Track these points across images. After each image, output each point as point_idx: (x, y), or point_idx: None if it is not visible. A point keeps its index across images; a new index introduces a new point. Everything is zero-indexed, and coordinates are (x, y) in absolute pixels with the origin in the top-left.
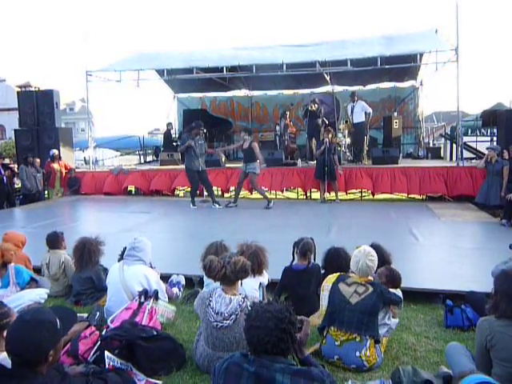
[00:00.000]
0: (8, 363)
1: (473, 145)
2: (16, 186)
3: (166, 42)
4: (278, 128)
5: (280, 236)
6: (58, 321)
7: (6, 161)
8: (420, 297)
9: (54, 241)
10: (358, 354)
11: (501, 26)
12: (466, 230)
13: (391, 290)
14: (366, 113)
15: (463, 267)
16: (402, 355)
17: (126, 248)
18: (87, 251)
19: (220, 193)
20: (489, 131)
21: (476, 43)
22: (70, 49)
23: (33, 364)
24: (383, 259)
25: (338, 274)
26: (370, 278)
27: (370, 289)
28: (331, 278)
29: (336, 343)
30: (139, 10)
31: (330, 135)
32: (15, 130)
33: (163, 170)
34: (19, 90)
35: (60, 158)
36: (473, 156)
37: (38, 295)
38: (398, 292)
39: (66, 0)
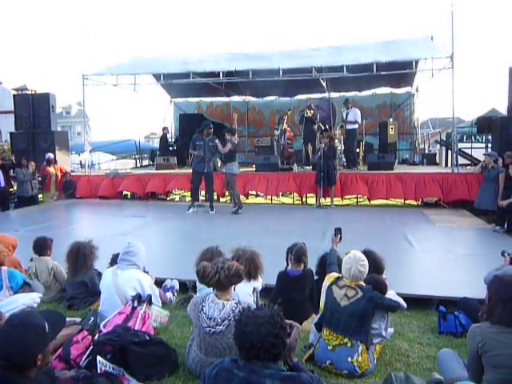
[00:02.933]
0: None
1: (468, 151)
2: (10, 189)
3: (162, 46)
4: (276, 133)
5: (275, 241)
6: (46, 325)
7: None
8: (413, 303)
9: (43, 246)
10: (349, 359)
11: (495, 32)
12: (461, 236)
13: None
14: (356, 121)
15: (457, 273)
16: (395, 361)
17: (115, 255)
18: (82, 255)
19: (216, 197)
20: (484, 138)
21: (471, 49)
22: (66, 52)
23: (21, 368)
24: (376, 265)
25: (338, 275)
26: (361, 282)
27: (360, 293)
28: (330, 278)
29: (328, 348)
30: (136, 14)
31: (327, 140)
32: (11, 133)
33: (159, 174)
34: (15, 92)
35: (56, 161)
36: (468, 162)
37: (30, 299)
38: (395, 296)
39: (63, 3)
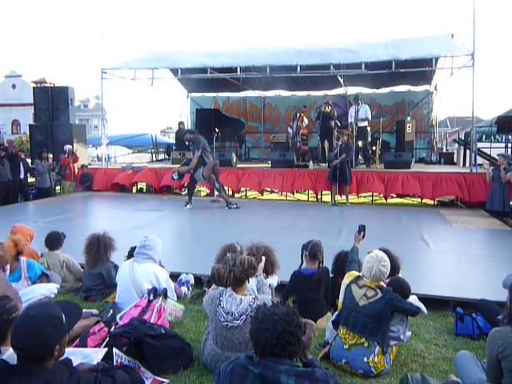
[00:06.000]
0: (15, 359)
1: (487, 151)
2: (29, 181)
3: (180, 40)
4: (290, 130)
5: (289, 238)
6: (63, 315)
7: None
8: (430, 303)
9: (56, 241)
10: (365, 359)
11: None
12: (478, 237)
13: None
14: (367, 118)
15: (474, 274)
16: (411, 362)
17: (132, 248)
18: (102, 245)
19: (231, 193)
20: (504, 137)
21: (491, 47)
22: (85, 46)
23: (39, 359)
24: (392, 264)
25: (358, 274)
26: (382, 283)
27: (379, 294)
28: (350, 276)
29: (345, 347)
30: (154, 9)
31: (345, 137)
32: (30, 125)
33: (174, 168)
34: (35, 85)
35: (73, 153)
36: (487, 162)
37: (48, 290)
38: (417, 301)
39: None
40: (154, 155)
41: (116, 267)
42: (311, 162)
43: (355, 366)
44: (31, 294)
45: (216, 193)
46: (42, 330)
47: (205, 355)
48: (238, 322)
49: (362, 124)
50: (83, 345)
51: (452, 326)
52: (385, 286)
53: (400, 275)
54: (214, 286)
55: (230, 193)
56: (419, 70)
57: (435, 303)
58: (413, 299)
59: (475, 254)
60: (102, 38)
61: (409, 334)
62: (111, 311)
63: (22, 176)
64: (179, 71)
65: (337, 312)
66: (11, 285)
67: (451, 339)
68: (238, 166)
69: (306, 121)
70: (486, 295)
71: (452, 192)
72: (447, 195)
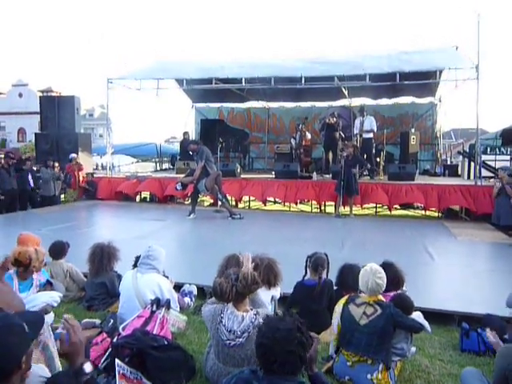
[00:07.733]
0: None
1: (492, 164)
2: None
3: (185, 50)
4: (293, 141)
5: (292, 249)
6: (24, 324)
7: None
8: (434, 318)
9: (60, 251)
10: (369, 376)
11: None
12: (483, 250)
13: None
14: (372, 129)
15: (479, 289)
16: (415, 378)
17: (138, 258)
18: (106, 255)
19: (234, 202)
20: (509, 150)
21: (496, 59)
22: (90, 55)
23: (7, 373)
24: (397, 278)
25: (348, 295)
26: (380, 297)
27: (379, 310)
28: (342, 301)
29: (348, 363)
30: (161, 19)
31: (350, 149)
32: (36, 134)
33: (179, 178)
34: (41, 94)
35: (77, 162)
36: (491, 175)
37: (51, 298)
38: (420, 318)
39: (88, 7)
40: (158, 164)
41: (119, 277)
42: (315, 173)
43: (359, 382)
44: (34, 301)
45: (219, 203)
46: (4, 341)
47: (207, 368)
48: (241, 339)
49: (367, 136)
50: (86, 355)
51: (457, 341)
52: (385, 301)
53: (404, 288)
54: (213, 298)
55: (234, 203)
56: (423, 82)
57: (440, 317)
58: (416, 316)
59: (480, 268)
60: (106, 47)
61: (413, 349)
62: (112, 321)
63: (32, 185)
64: (184, 82)
65: (335, 338)
66: (18, 295)
67: (456, 355)
68: (241, 176)
69: (308, 135)
70: (491, 310)
71: (457, 201)
72: (452, 205)
